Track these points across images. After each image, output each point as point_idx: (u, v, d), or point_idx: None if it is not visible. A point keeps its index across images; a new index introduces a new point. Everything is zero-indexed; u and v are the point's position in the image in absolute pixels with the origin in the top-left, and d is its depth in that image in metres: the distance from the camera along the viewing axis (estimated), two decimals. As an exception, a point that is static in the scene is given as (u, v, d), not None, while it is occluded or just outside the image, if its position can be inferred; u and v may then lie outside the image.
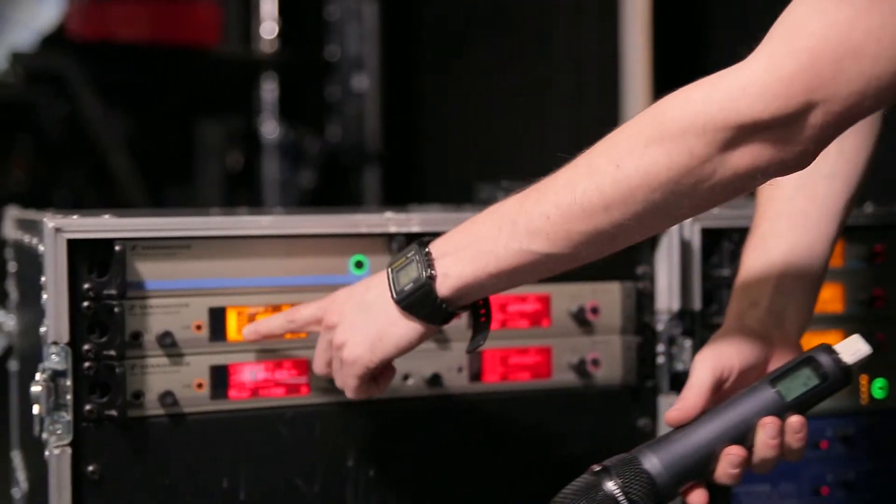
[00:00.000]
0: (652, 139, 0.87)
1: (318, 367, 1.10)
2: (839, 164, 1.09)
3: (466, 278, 0.98)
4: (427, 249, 1.01)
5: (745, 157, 0.86)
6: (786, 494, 1.31)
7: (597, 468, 0.95)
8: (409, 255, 1.01)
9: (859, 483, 1.33)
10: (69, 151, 3.47)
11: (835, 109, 0.84)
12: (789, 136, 0.85)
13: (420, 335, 1.02)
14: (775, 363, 1.01)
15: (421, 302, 0.99)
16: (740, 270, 1.09)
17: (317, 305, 1.10)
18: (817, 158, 1.03)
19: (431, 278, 0.98)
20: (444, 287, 0.99)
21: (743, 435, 0.95)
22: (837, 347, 0.97)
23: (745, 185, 0.89)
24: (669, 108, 0.88)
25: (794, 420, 0.95)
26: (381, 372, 1.06)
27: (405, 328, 1.01)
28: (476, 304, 1.03)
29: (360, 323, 1.03)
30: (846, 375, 0.96)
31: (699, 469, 0.94)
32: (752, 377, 1.00)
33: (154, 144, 3.58)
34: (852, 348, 0.97)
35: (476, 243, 0.97)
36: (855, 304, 1.34)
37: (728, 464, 0.94)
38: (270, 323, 1.13)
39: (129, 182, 3.30)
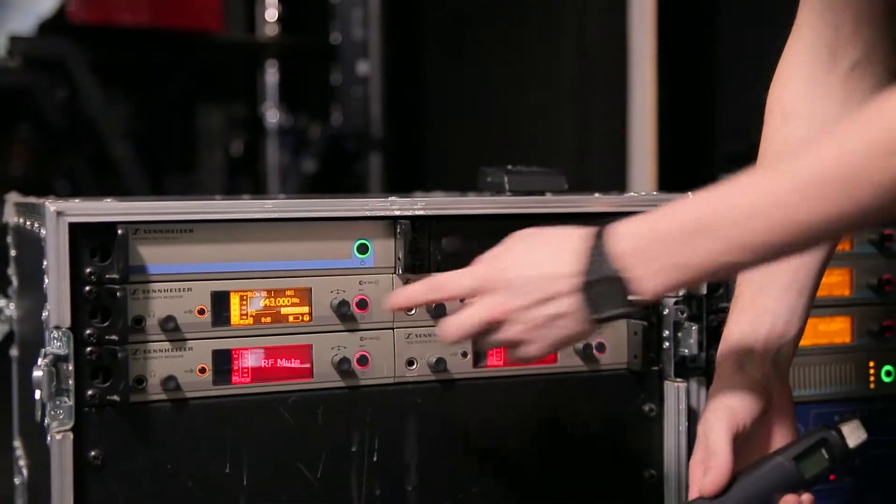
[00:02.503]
0: (889, 153, 0.81)
1: (459, 335, 1.01)
2: None
3: (664, 290, 0.93)
4: (624, 273, 0.93)
5: None
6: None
7: None
8: (605, 278, 0.94)
9: (867, 469, 1.33)
10: (69, 138, 3.46)
11: None
12: None
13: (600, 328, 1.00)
14: (776, 409, 1.05)
15: (618, 318, 0.96)
16: (734, 304, 1.09)
17: (469, 277, 1.01)
18: None
19: (632, 304, 0.94)
20: (641, 302, 0.94)
21: None
22: (844, 431, 1.02)
23: None
24: None
25: (808, 499, 1.00)
26: None
27: (592, 330, 0.98)
28: None
29: (549, 328, 0.97)
30: (846, 460, 1.02)
31: None
32: (758, 427, 1.03)
33: (155, 130, 3.57)
34: (855, 434, 1.02)
35: (680, 256, 0.91)
36: (863, 289, 1.33)
37: None
38: (417, 290, 1.05)
39: (129, 169, 3.29)
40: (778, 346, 1.06)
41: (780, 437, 1.05)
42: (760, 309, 1.06)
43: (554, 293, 0.96)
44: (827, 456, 1.00)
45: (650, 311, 1.25)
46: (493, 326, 0.99)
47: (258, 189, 3.55)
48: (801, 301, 1.07)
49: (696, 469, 1.01)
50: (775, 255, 0.90)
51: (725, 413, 1.01)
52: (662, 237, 0.92)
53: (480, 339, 1.01)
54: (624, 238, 0.94)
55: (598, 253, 0.94)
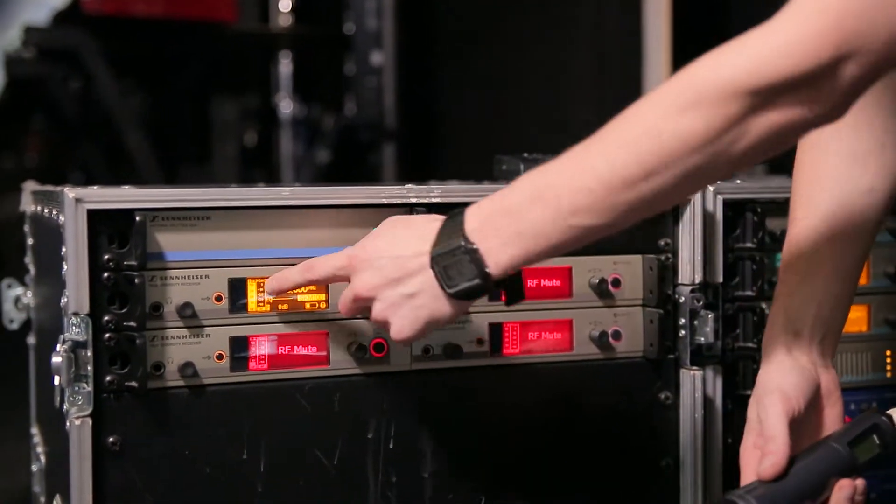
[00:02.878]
0: (687, 105, 0.88)
1: (346, 312, 1.10)
2: (879, 178, 1.08)
3: (516, 262, 0.97)
4: (473, 244, 0.98)
5: (780, 114, 0.87)
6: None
7: None
8: (453, 249, 0.98)
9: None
10: (83, 129, 3.47)
11: (865, 61, 0.85)
12: (822, 92, 0.86)
13: (466, 307, 1.04)
14: (825, 395, 1.06)
15: (476, 293, 0.99)
16: (780, 290, 1.10)
17: (340, 258, 1.08)
18: (856, 171, 1.06)
19: (487, 275, 0.97)
20: (496, 274, 0.98)
21: (822, 490, 1.00)
22: (895, 417, 1.03)
23: (782, 142, 0.90)
24: (700, 72, 0.89)
25: (861, 483, 1.01)
26: None
27: (457, 309, 1.02)
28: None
29: (406, 307, 1.01)
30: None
31: None
32: (809, 413, 1.04)
33: (169, 121, 3.58)
34: None
35: (521, 225, 0.96)
36: (880, 277, 1.32)
37: None
38: (292, 274, 1.12)
39: (144, 159, 3.30)
40: (823, 333, 1.07)
41: (830, 424, 1.06)
42: (808, 295, 1.07)
43: (407, 272, 1.02)
44: (879, 441, 1.01)
45: (668, 298, 1.25)
46: (364, 305, 1.06)
47: (272, 179, 3.55)
48: (845, 288, 1.08)
49: (749, 454, 1.03)
50: (611, 217, 0.93)
51: (780, 397, 1.02)
52: (506, 209, 0.97)
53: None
54: (474, 214, 0.99)
55: (449, 229, 0.99)
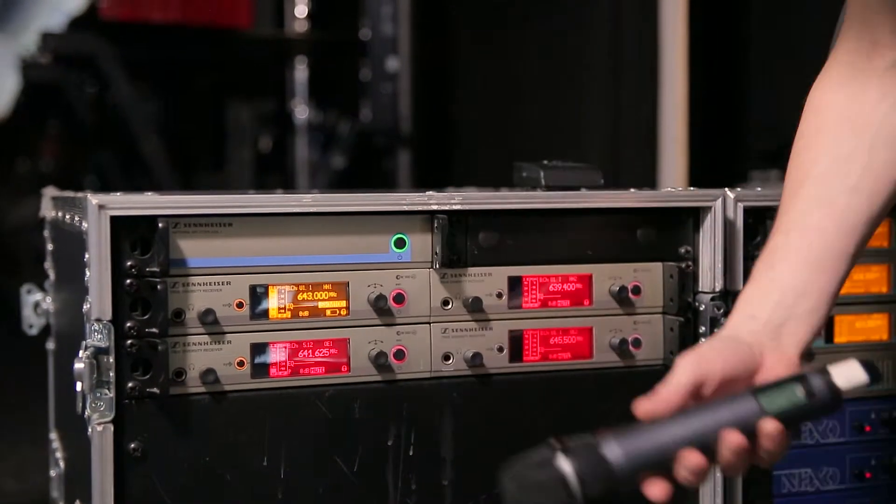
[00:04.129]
0: None
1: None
2: (865, 178, 1.05)
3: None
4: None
5: None
6: (828, 478, 1.30)
7: (556, 445, 0.92)
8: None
9: (903, 466, 1.32)
10: (99, 134, 3.48)
11: None
12: None
13: None
14: (764, 377, 0.98)
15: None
16: (748, 280, 1.07)
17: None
18: (841, 170, 1.05)
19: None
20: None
21: (714, 440, 0.92)
22: (833, 370, 0.94)
23: None
24: None
25: (771, 425, 0.92)
26: None
27: None
28: None
29: None
30: (836, 399, 0.93)
31: (661, 466, 0.91)
32: (736, 388, 0.97)
33: (185, 127, 3.59)
34: (849, 374, 0.94)
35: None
36: (901, 286, 1.32)
37: (684, 468, 0.92)
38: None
39: (159, 164, 3.31)
40: (784, 319, 1.02)
41: None
42: (770, 281, 1.04)
43: None
44: (804, 392, 0.92)
45: (688, 306, 1.24)
46: None
47: (287, 184, 3.56)
48: (819, 278, 1.04)
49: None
50: None
51: (695, 357, 0.97)
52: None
53: None
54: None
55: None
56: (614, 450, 0.91)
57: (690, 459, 0.91)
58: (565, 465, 0.90)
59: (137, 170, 3.34)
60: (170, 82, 3.53)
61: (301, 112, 3.60)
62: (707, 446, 0.91)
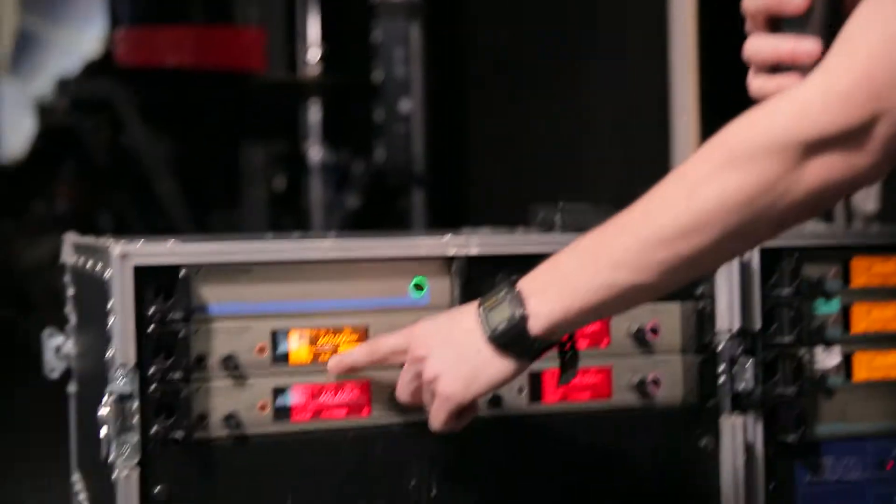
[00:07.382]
0: (722, 164, 0.90)
1: (405, 396, 1.11)
2: None
3: (556, 316, 1.00)
4: (517, 289, 1.02)
5: (816, 173, 0.88)
6: (850, 515, 1.30)
7: None
8: (499, 296, 1.02)
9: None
10: (114, 176, 3.51)
11: None
12: (858, 150, 0.86)
13: (513, 372, 1.04)
14: None
15: (514, 340, 1.02)
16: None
17: (399, 335, 1.11)
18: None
19: (524, 318, 1.00)
20: (536, 326, 1.01)
21: None
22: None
23: (821, 203, 0.90)
24: (736, 132, 0.91)
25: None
26: (467, 407, 1.08)
27: (499, 365, 1.03)
28: (562, 340, 1.06)
29: (452, 359, 1.04)
30: None
31: None
32: None
33: (199, 169, 3.62)
34: None
35: (562, 281, 1.00)
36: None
37: None
38: (353, 354, 1.15)
39: (174, 205, 3.33)
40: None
41: None
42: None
43: (457, 320, 1.06)
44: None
45: (707, 345, 1.25)
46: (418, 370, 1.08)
47: (301, 225, 3.58)
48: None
49: None
50: (649, 276, 0.95)
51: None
52: (551, 263, 1.02)
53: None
54: (527, 276, 1.03)
55: (501, 283, 1.04)
56: None
57: None
58: None
59: (153, 210, 3.36)
60: (184, 125, 3.56)
61: (315, 153, 3.63)
62: None
